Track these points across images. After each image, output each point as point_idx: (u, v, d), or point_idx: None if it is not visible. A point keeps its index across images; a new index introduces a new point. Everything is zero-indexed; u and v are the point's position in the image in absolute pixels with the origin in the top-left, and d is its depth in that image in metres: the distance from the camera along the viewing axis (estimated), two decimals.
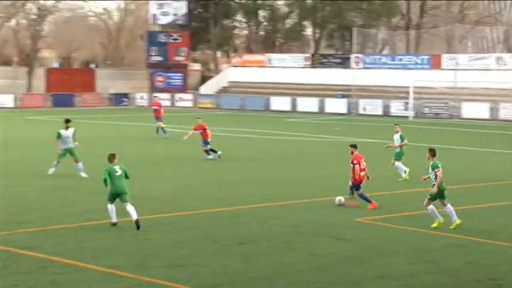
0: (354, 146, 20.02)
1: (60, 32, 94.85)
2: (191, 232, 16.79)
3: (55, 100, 72.00)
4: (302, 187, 22.91)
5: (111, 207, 16.98)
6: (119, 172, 17.14)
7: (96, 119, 55.89)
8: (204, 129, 30.69)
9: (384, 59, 70.29)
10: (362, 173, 19.58)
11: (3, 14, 76.82)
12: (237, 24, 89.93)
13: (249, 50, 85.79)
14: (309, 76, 71.69)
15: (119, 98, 77.01)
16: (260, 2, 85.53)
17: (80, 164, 24.57)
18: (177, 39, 79.68)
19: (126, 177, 17.29)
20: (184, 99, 75.88)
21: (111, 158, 17.50)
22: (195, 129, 31.11)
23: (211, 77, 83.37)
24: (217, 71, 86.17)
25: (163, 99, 75.59)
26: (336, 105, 64.98)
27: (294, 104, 67.01)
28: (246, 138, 41.25)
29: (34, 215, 18.43)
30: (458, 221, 17.27)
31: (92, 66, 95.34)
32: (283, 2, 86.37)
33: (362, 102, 63.94)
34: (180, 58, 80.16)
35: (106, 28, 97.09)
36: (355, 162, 19.63)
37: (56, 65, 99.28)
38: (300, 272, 13.74)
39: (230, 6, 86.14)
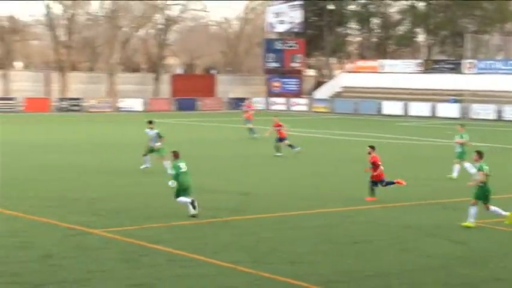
0: (373, 147, 20.75)
1: (184, 41, 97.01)
2: (306, 231, 16.75)
3: (179, 104, 73.68)
4: (412, 189, 22.43)
5: (183, 199, 17.52)
6: (184, 168, 17.59)
7: (216, 122, 56.70)
8: (280, 127, 30.57)
9: (497, 64, 67.99)
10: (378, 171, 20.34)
11: (134, 25, 79.28)
12: (350, 31, 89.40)
13: (362, 56, 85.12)
14: (420, 81, 70.41)
15: (238, 102, 77.73)
16: (373, 10, 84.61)
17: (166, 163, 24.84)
18: (292, 46, 79.91)
19: None
20: (299, 104, 76.02)
21: (176, 154, 17.94)
22: (274, 127, 31.08)
23: (325, 82, 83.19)
24: (330, 76, 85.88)
25: (279, 103, 76.57)
26: (448, 110, 63.51)
27: (405, 109, 65.93)
28: (358, 142, 40.77)
29: (160, 210, 18.60)
30: (508, 213, 17.06)
31: (213, 72, 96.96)
32: (395, 9, 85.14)
33: (475, 107, 62.14)
34: (296, 64, 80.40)
35: (226, 36, 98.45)
36: (379, 163, 20.34)
37: (180, 71, 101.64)
38: (414, 271, 13.46)
39: (344, 15, 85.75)
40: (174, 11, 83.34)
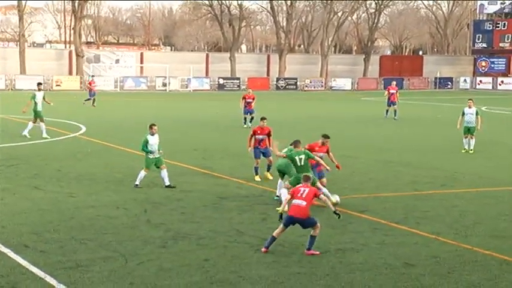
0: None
1: (393, 23, 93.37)
2: (510, 206, 15.35)
3: (386, 83, 70.51)
4: None
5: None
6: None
7: (422, 100, 53.70)
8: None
9: None
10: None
11: (347, 10, 77.21)
12: None
13: None
14: None
15: (444, 82, 73.65)
16: None
17: None
18: (502, 26, 73.74)
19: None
20: (506, 83, 70.33)
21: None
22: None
23: None
24: None
25: (486, 82, 71.11)
26: None
27: None
28: None
29: (367, 184, 17.87)
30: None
31: (420, 53, 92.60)
32: None
33: None
34: (505, 44, 74.26)
35: (435, 18, 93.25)
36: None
37: (388, 52, 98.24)
38: None
39: None
40: None
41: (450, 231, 12.88)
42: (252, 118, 30.83)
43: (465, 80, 73.31)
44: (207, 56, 76.51)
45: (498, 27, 74.36)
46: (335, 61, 78.63)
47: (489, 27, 74.87)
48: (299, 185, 11.92)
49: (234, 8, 74.82)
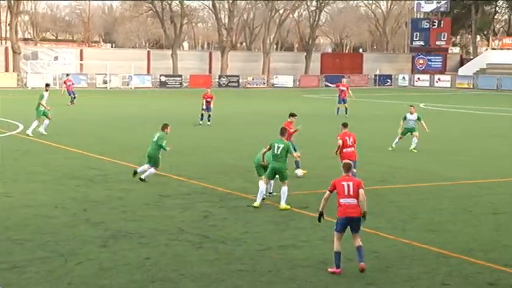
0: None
1: (334, 21, 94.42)
2: (447, 201, 15.71)
3: (327, 80, 71.26)
4: None
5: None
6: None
7: (362, 97, 54.37)
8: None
9: None
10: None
11: (288, 7, 77.66)
12: (498, 9, 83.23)
13: (509, 34, 79.05)
14: None
15: (383, 79, 74.85)
16: None
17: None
18: (438, 25, 75.63)
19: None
20: (443, 80, 72.00)
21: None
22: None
23: (470, 59, 78.02)
24: (475, 53, 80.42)
25: (423, 80, 72.75)
26: None
27: None
28: (500, 117, 37.16)
29: (308, 180, 17.95)
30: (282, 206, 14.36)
31: (360, 50, 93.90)
32: None
33: None
34: (441, 42, 76.06)
35: (374, 17, 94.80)
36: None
37: (329, 50, 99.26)
38: None
39: None
40: None
41: (389, 226, 13.09)
42: (209, 115, 30.56)
43: (404, 78, 74.69)
44: (149, 53, 75.72)
45: (435, 25, 76.11)
46: (277, 58, 78.98)
47: (426, 25, 76.55)
48: (339, 178, 10.40)
49: (176, 5, 74.31)
